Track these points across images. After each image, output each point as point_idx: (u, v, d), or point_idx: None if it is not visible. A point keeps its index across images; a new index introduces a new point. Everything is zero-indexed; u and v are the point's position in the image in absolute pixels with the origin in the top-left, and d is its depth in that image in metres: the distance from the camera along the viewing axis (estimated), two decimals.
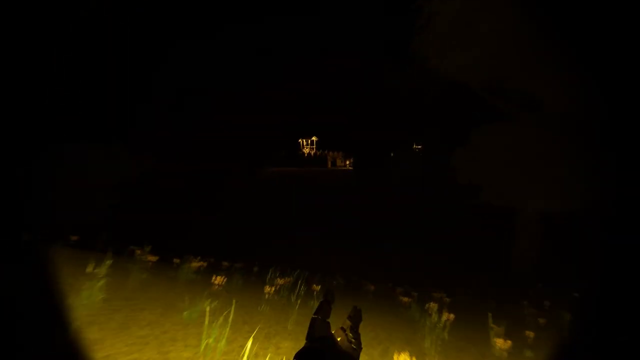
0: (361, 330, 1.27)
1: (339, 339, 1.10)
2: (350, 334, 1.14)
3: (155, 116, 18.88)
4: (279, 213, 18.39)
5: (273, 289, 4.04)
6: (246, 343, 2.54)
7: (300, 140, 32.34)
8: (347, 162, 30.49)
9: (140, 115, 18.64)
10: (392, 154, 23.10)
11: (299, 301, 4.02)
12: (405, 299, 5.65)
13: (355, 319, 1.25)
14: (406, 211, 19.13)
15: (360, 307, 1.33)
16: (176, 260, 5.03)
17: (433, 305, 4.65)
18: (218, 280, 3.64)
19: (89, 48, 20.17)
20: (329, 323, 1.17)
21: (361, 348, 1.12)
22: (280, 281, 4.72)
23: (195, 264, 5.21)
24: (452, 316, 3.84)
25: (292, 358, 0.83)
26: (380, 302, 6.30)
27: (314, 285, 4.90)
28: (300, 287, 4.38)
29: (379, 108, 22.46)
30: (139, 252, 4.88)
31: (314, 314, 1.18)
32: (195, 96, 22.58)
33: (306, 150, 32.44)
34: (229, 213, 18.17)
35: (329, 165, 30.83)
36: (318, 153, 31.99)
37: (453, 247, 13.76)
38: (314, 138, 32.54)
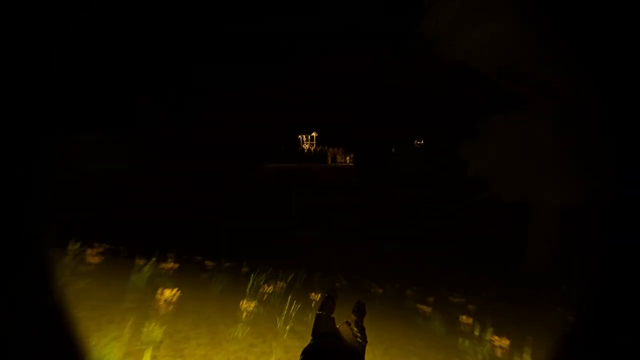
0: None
1: (344, 334, 1.03)
2: (355, 328, 1.06)
3: (152, 111, 17.76)
4: (279, 212, 17.19)
5: (253, 304, 2.74)
6: None
7: (300, 136, 30.88)
8: (348, 159, 28.99)
9: (139, 111, 17.55)
10: (392, 150, 21.89)
11: (289, 326, 2.71)
12: (424, 308, 4.33)
13: (360, 313, 1.16)
14: (407, 211, 18.02)
15: (364, 302, 1.21)
16: (139, 262, 3.74)
17: (466, 319, 3.34)
18: (166, 294, 2.34)
19: (89, 47, 19.14)
20: (333, 318, 1.10)
21: (366, 342, 1.04)
22: (268, 289, 3.44)
23: (167, 266, 3.91)
24: (505, 341, 2.54)
25: (299, 356, 0.78)
26: (391, 310, 4.97)
27: (313, 293, 3.61)
28: (292, 305, 3.07)
29: (379, 108, 21.35)
30: (89, 251, 3.61)
31: (319, 310, 1.12)
32: (195, 96, 21.50)
33: (306, 147, 30.93)
34: (228, 213, 16.95)
35: (329, 162, 29.30)
36: (318, 149, 30.49)
37: (457, 247, 12.60)
38: (313, 134, 31.05)
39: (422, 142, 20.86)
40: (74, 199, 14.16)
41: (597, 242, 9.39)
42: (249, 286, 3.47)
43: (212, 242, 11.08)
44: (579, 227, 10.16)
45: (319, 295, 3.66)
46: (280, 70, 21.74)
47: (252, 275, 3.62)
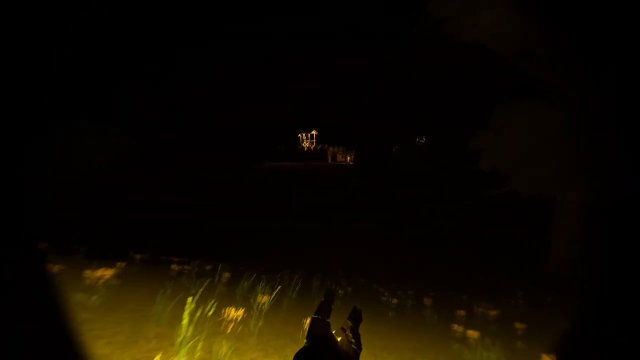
0: None
1: (339, 339, 0.96)
2: (350, 335, 0.97)
3: (152, 110, 16.75)
4: (277, 212, 16.03)
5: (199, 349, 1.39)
6: None
7: (299, 134, 29.56)
8: (348, 158, 27.66)
9: (138, 110, 16.57)
10: (393, 150, 20.75)
11: None
12: (469, 332, 3.04)
13: (356, 320, 1.04)
14: (407, 210, 16.92)
15: (360, 308, 1.06)
16: (89, 275, 2.42)
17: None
18: None
19: (89, 47, 18.17)
20: (329, 323, 0.98)
21: (361, 349, 0.97)
22: (236, 313, 2.10)
23: (95, 274, 2.64)
24: None
25: (292, 358, 0.75)
26: (415, 331, 3.59)
27: (308, 317, 2.34)
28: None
29: (379, 107, 20.27)
30: None
31: (315, 314, 0.99)
32: (195, 96, 20.45)
33: (306, 145, 29.55)
34: (225, 212, 15.77)
35: (329, 160, 27.96)
36: (318, 147, 29.13)
37: (461, 246, 11.41)
38: (313, 132, 29.71)
39: (424, 140, 19.72)
40: (64, 198, 13.12)
41: (612, 241, 8.25)
42: (211, 304, 1.98)
43: (202, 242, 9.93)
44: (594, 226, 8.99)
45: (317, 315, 2.39)
46: (280, 70, 20.75)
47: (194, 294, 1.97)
